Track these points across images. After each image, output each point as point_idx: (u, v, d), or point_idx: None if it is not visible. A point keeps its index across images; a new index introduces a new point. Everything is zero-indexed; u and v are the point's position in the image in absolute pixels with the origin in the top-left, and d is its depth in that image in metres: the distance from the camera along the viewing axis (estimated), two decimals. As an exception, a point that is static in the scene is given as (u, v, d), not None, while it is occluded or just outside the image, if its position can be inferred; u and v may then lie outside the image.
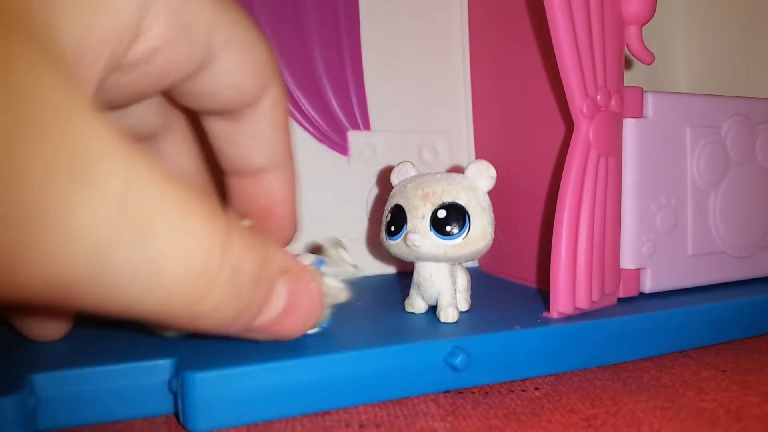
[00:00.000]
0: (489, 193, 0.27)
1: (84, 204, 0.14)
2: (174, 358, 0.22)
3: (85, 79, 0.16)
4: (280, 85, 0.23)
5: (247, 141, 0.23)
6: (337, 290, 0.23)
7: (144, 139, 0.24)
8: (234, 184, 0.25)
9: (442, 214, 0.26)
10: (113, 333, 0.27)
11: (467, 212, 0.26)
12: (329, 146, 0.37)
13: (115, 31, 0.17)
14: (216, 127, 0.23)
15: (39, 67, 0.14)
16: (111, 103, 0.20)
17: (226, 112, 0.22)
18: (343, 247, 0.25)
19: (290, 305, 0.20)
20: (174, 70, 0.19)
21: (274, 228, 0.25)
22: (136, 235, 0.14)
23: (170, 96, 0.22)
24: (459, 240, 0.26)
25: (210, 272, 0.16)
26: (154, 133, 0.24)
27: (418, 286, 0.27)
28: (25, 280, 0.14)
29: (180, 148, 0.25)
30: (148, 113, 0.23)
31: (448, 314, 0.26)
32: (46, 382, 0.21)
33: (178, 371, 0.21)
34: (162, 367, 0.22)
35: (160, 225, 0.15)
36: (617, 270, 0.29)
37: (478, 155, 0.39)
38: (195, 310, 0.17)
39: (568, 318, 0.27)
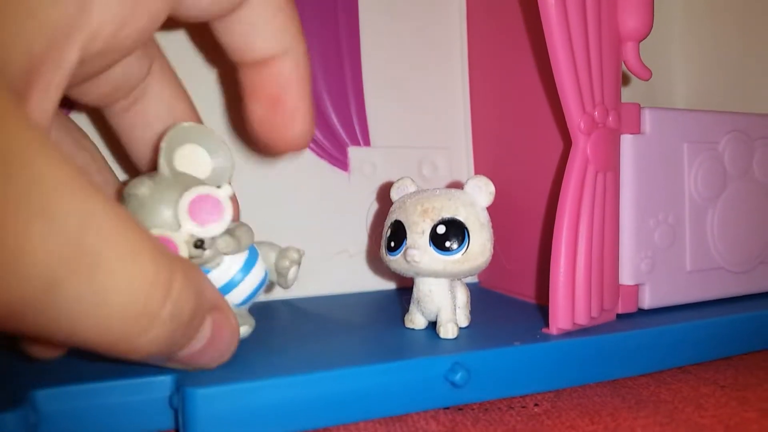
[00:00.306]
0: (488, 208, 0.27)
1: (41, 240, 0.14)
2: (175, 374, 0.22)
3: (51, 83, 0.17)
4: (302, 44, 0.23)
5: (245, 28, 0.22)
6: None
7: (132, 87, 0.23)
8: (243, 76, 0.24)
9: (441, 229, 0.26)
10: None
11: (466, 228, 0.26)
12: (329, 162, 0.37)
13: (62, 31, 0.17)
14: (216, 24, 0.23)
15: None
16: (97, 69, 0.20)
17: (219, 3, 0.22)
18: (296, 264, 0.25)
19: (213, 339, 0.21)
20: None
21: (283, 120, 0.24)
22: (86, 271, 0.15)
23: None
24: (458, 256, 0.26)
25: (151, 310, 0.17)
26: (142, 78, 0.23)
27: (418, 301, 0.28)
28: None
29: (167, 83, 0.24)
30: (132, 61, 0.22)
31: (447, 330, 0.27)
32: (48, 398, 0.21)
33: (179, 387, 0.21)
34: (163, 382, 0.22)
35: (108, 263, 0.16)
36: (616, 286, 0.30)
37: (477, 171, 0.40)
38: (132, 344, 0.17)
39: (567, 334, 0.27)
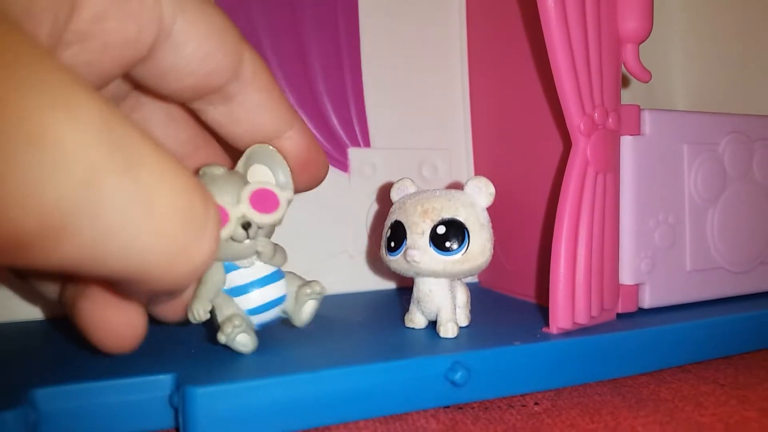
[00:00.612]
0: (488, 209, 0.27)
1: (69, 128, 0.13)
2: (175, 373, 0.22)
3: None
4: (252, 51, 0.23)
5: (247, 115, 0.23)
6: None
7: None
8: None
9: (441, 230, 0.26)
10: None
11: (466, 228, 0.26)
12: (330, 163, 0.37)
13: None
14: (213, 115, 0.23)
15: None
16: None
17: (210, 92, 0.22)
18: (317, 297, 0.25)
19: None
20: (127, 42, 0.19)
21: (311, 178, 0.26)
22: (125, 163, 0.14)
23: (147, 88, 0.22)
24: (458, 256, 0.26)
25: (199, 212, 0.16)
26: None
27: (418, 301, 0.28)
28: (19, 214, 0.13)
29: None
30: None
31: (447, 329, 0.27)
32: (48, 397, 0.21)
33: (179, 386, 0.21)
34: (163, 381, 0.22)
35: (148, 161, 0.15)
36: (616, 286, 0.30)
37: (477, 172, 0.40)
38: (189, 252, 0.16)
39: (567, 333, 0.27)
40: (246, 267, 0.24)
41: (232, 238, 0.23)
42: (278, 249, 0.25)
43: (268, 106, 0.24)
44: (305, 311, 0.25)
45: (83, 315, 0.21)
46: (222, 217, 0.22)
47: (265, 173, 0.24)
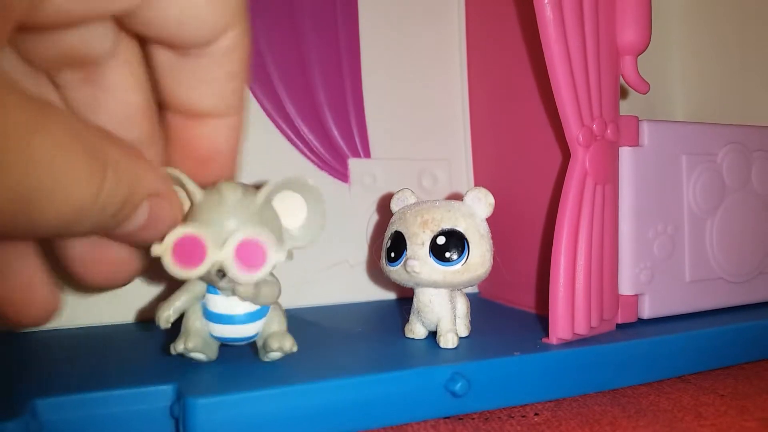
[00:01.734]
0: (488, 219, 0.27)
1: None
2: (175, 384, 0.22)
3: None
4: (244, 30, 0.21)
5: (193, 81, 0.21)
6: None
7: (83, 63, 0.21)
8: (174, 122, 0.23)
9: (441, 240, 0.26)
10: (115, 358, 0.27)
11: (466, 239, 0.26)
12: (330, 173, 0.37)
13: None
14: (162, 58, 0.21)
15: None
16: (47, 22, 0.18)
17: (177, 46, 0.20)
18: (281, 353, 0.24)
19: (150, 222, 0.21)
20: None
21: (207, 177, 0.23)
22: (26, 204, 0.16)
23: (130, 26, 0.20)
24: (458, 266, 0.26)
25: (84, 210, 0.18)
26: (97, 59, 0.21)
27: (418, 311, 0.28)
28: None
29: (127, 80, 0.22)
30: (92, 36, 0.21)
31: (447, 340, 0.27)
32: (49, 407, 0.21)
33: (179, 396, 0.21)
34: (164, 392, 0.22)
35: (50, 192, 0.17)
36: (615, 296, 0.30)
37: (477, 183, 0.40)
38: (70, 229, 0.18)
39: (567, 344, 0.27)
40: (225, 296, 0.23)
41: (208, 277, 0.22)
42: (268, 285, 0.23)
43: (219, 88, 0.22)
44: (269, 356, 0.24)
45: (75, 254, 0.22)
46: (197, 254, 0.21)
47: (295, 205, 0.24)
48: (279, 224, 0.24)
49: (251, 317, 0.24)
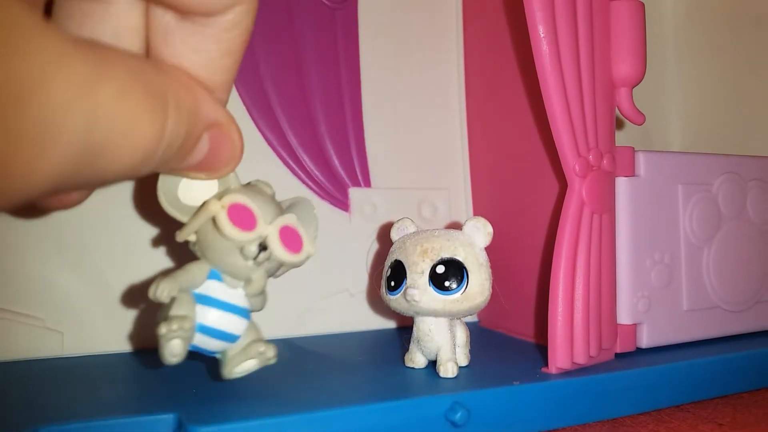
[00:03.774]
0: (486, 249, 0.28)
1: (46, 156, 0.15)
2: (177, 413, 0.22)
3: None
4: (250, 8, 0.21)
5: (186, 49, 0.21)
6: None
7: None
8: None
9: (440, 269, 0.26)
10: (117, 386, 0.27)
11: (465, 268, 0.26)
12: (331, 203, 0.38)
13: None
14: (158, 17, 0.21)
15: None
16: None
17: (184, 8, 0.20)
18: (258, 360, 0.24)
19: (211, 153, 0.21)
20: None
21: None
22: (92, 158, 0.16)
23: None
24: (457, 295, 0.26)
25: (147, 159, 0.18)
26: None
27: (418, 340, 0.28)
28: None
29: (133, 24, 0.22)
30: None
31: (447, 369, 0.27)
32: (51, 436, 0.21)
33: (181, 425, 0.21)
34: (165, 421, 0.22)
35: (115, 142, 0.16)
36: (614, 325, 0.30)
37: (476, 212, 0.40)
38: (137, 171, 0.18)
39: (566, 373, 0.27)
40: (228, 285, 0.23)
41: (242, 251, 0.22)
42: (264, 297, 0.25)
43: (212, 64, 0.21)
44: (242, 367, 0.24)
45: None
46: (249, 222, 0.22)
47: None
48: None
49: (241, 312, 0.24)
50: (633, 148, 0.31)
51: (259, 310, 0.25)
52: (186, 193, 0.23)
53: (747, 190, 0.35)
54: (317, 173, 0.37)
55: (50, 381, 0.28)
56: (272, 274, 0.24)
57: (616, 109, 0.30)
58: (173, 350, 0.22)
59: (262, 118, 0.36)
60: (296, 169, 0.37)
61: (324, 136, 0.37)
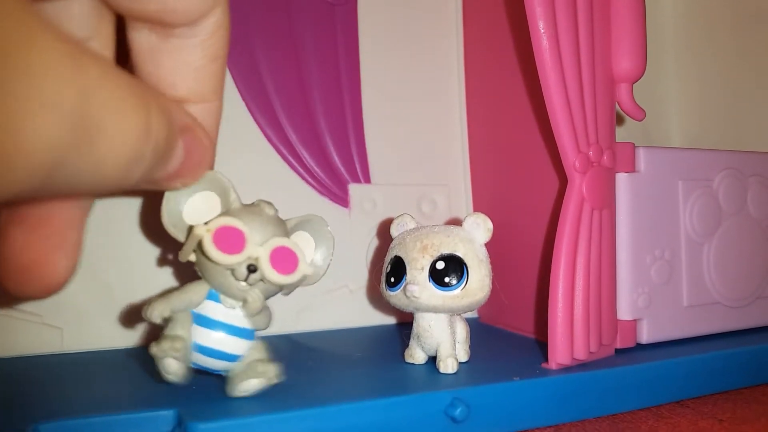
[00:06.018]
0: (486, 245, 0.27)
1: (42, 122, 0.14)
2: (176, 409, 0.22)
3: None
4: (225, 10, 0.21)
5: (175, 65, 0.21)
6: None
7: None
8: None
9: (440, 265, 0.26)
10: (116, 383, 0.27)
11: (465, 264, 0.26)
12: (330, 199, 0.38)
13: None
14: (142, 39, 0.21)
15: None
16: None
17: (160, 23, 0.20)
18: (262, 380, 0.24)
19: (186, 159, 0.21)
20: None
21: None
22: (87, 140, 0.15)
23: None
24: (457, 291, 0.26)
25: (140, 157, 0.18)
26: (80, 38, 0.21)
27: (418, 336, 0.28)
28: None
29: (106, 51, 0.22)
30: (73, 15, 0.21)
31: (447, 365, 0.27)
32: (50, 431, 0.21)
33: (181, 422, 0.21)
34: (165, 417, 0.22)
35: (107, 129, 0.16)
36: (614, 321, 0.30)
37: (476, 208, 0.40)
38: (122, 184, 0.18)
39: (566, 369, 0.27)
40: (226, 306, 0.23)
41: (233, 272, 0.22)
42: (265, 311, 0.24)
43: (199, 72, 0.22)
44: (245, 386, 0.23)
45: (11, 242, 0.20)
46: (237, 244, 0.22)
47: (306, 246, 0.25)
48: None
49: (243, 333, 0.24)
50: (633, 143, 0.31)
51: (263, 329, 0.25)
52: (190, 213, 0.23)
53: (747, 186, 0.35)
54: (317, 169, 0.37)
55: (49, 377, 0.28)
56: (272, 294, 0.24)
57: (617, 104, 0.30)
58: (167, 369, 0.22)
59: (261, 115, 0.36)
60: (296, 165, 0.37)
61: (324, 132, 0.37)
